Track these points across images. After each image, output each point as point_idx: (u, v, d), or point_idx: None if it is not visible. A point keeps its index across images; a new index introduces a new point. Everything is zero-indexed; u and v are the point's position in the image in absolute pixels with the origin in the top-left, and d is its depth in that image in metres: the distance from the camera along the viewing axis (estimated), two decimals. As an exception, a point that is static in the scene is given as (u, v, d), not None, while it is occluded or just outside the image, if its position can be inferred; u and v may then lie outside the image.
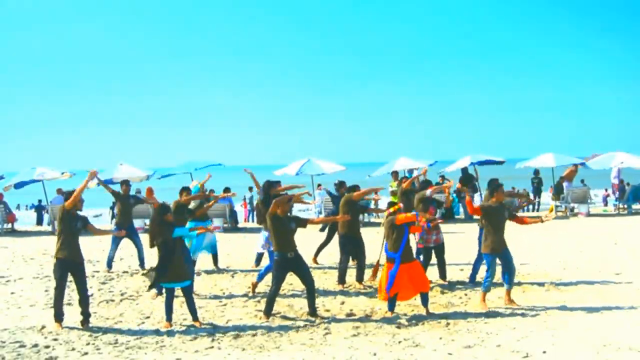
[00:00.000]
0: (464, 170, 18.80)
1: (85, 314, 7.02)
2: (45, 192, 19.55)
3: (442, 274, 8.96)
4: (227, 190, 19.05)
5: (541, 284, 8.63)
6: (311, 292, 7.30)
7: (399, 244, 7.08)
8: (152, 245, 7.12)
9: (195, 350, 6.10)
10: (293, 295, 8.42)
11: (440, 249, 8.93)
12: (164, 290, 7.42)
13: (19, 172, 19.58)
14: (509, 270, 7.45)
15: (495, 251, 7.47)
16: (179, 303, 8.05)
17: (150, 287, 7.26)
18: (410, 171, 19.35)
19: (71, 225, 6.97)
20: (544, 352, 5.69)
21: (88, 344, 6.37)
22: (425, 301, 7.26)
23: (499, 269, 7.56)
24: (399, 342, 6.18)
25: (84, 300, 6.99)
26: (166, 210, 7.20)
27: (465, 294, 8.15)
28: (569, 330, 6.35)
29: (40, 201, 24.27)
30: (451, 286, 8.70)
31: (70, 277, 7.08)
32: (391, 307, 7.26)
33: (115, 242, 10.61)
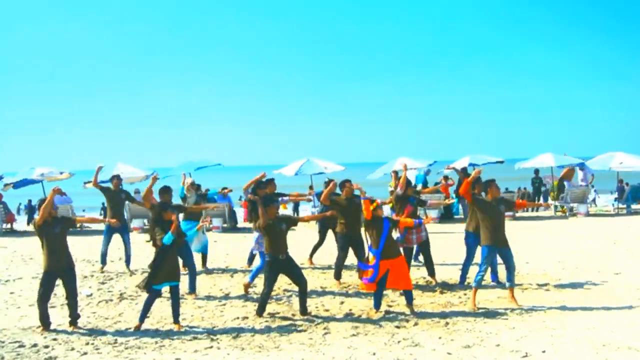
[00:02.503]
0: (464, 170, 18.80)
1: (74, 316, 6.98)
2: (44, 192, 19.52)
3: (431, 271, 8.94)
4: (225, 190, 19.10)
5: (541, 284, 8.63)
6: (303, 292, 7.33)
7: (379, 240, 7.09)
8: (155, 245, 7.01)
9: (194, 350, 6.10)
10: (293, 295, 8.41)
11: (424, 247, 8.93)
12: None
13: (18, 172, 19.58)
14: (509, 268, 7.44)
15: (495, 244, 7.43)
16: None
17: (147, 288, 7.16)
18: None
19: (51, 234, 6.83)
20: (544, 351, 5.69)
21: (87, 343, 6.37)
22: (409, 300, 7.26)
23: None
24: (398, 341, 6.18)
25: (73, 304, 6.95)
26: (165, 208, 7.17)
27: (465, 294, 8.14)
28: (569, 330, 6.35)
29: (30, 201, 24.21)
30: (451, 286, 8.70)
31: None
32: (377, 305, 7.26)
33: (107, 237, 10.52)
